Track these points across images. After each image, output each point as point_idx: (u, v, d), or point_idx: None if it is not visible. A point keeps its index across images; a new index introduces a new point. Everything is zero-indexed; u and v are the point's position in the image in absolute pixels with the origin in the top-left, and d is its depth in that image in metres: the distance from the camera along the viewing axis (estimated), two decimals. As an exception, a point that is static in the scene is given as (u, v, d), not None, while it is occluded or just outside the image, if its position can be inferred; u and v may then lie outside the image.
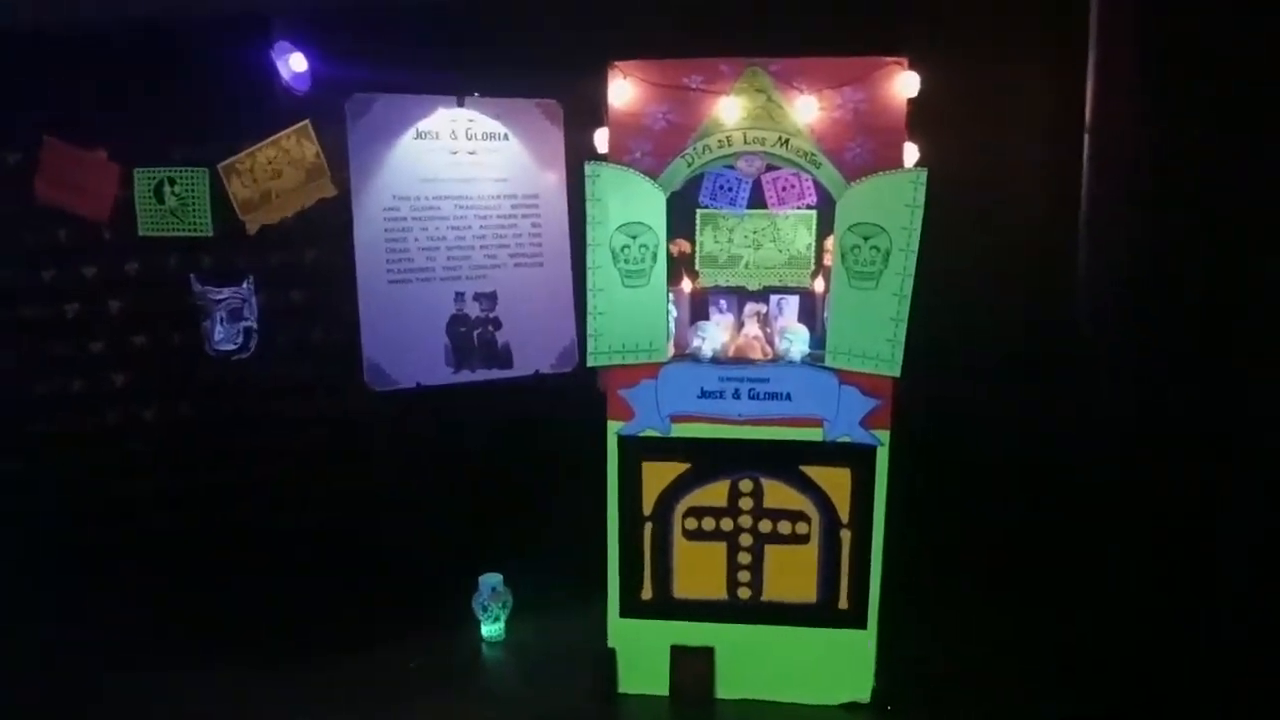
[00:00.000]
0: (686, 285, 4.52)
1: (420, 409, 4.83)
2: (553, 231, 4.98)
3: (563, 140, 5.02)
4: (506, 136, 4.93)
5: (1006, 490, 4.84)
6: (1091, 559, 4.54)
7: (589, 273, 3.99)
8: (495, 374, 5.02)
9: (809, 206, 4.46)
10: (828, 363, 4.02)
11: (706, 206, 4.50)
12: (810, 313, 4.47)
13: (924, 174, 3.78)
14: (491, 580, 4.53)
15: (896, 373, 3.92)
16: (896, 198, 3.81)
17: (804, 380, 4.06)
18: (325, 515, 4.81)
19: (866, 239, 3.87)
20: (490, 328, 4.99)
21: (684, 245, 4.51)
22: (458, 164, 4.87)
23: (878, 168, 3.85)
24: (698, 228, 4.57)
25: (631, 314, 4.00)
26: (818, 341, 3.96)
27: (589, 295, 4.00)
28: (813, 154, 3.94)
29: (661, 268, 4.01)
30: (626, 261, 3.99)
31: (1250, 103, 3.88)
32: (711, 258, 4.62)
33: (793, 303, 4.52)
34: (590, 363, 4.06)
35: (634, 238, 3.98)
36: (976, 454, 4.82)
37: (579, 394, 4.51)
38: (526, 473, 4.93)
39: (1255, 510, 3.89)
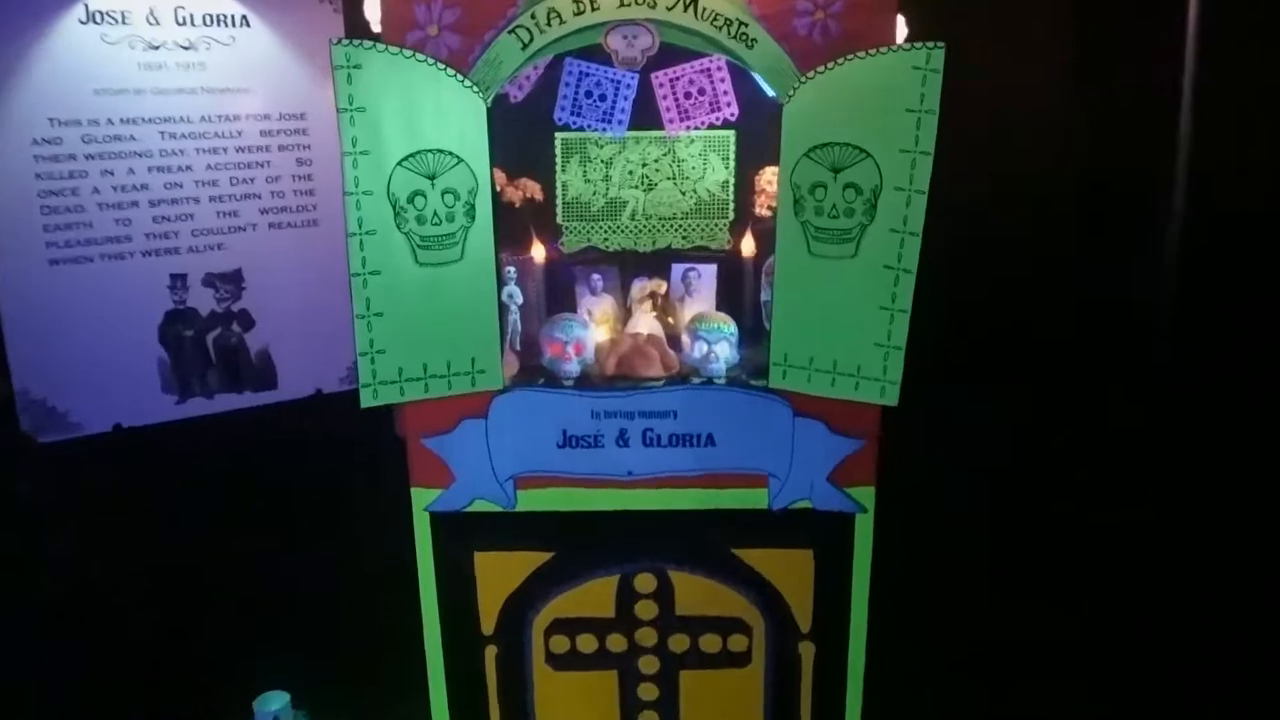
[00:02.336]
0: (538, 254, 2.80)
1: (125, 465, 3.00)
2: (331, 173, 3.14)
3: (342, 24, 3.15)
4: (246, 20, 3.04)
5: (1047, 572, 3.22)
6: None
7: (350, 245, 2.23)
8: (248, 400, 3.20)
9: (727, 122, 2.78)
10: (772, 382, 2.39)
11: (565, 125, 2.76)
12: (738, 294, 2.81)
13: (939, 53, 2.13)
14: (272, 703, 2.89)
15: (893, 399, 2.31)
16: (889, 97, 2.17)
17: (735, 411, 2.44)
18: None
19: (837, 172, 2.23)
20: (235, 327, 3.16)
21: (530, 187, 2.78)
22: (162, 66, 2.97)
23: (853, 47, 2.19)
24: (557, 159, 2.86)
25: (434, 311, 2.30)
26: (753, 343, 2.66)
27: (353, 284, 2.25)
28: (739, 24, 2.24)
29: (486, 228, 2.30)
30: (420, 221, 2.25)
31: None
32: (578, 206, 2.91)
33: (708, 276, 2.86)
34: (365, 399, 2.32)
35: (432, 179, 2.24)
36: (1008, 520, 3.19)
37: (389, 424, 2.75)
38: (310, 546, 3.13)
39: None
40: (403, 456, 2.51)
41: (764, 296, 2.62)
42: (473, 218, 2.30)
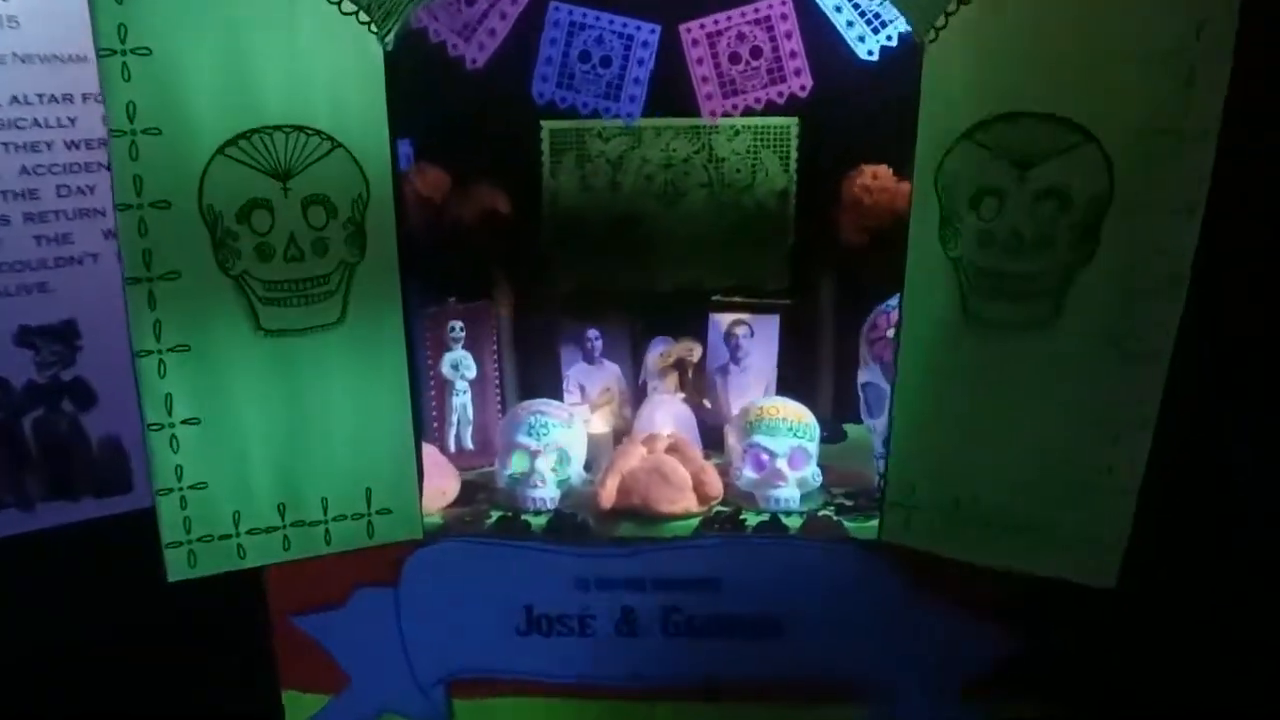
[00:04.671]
0: (501, 299, 1.81)
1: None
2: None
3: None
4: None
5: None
6: None
7: (130, 299, 1.22)
8: (87, 510, 2.19)
9: (793, 100, 1.77)
10: (886, 533, 1.37)
11: (551, 103, 1.78)
12: (812, 367, 1.81)
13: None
14: None
15: (1109, 576, 1.26)
16: (1132, 31, 1.11)
17: (814, 581, 1.40)
18: None
19: (1025, 168, 1.20)
20: (65, 405, 2.16)
21: (488, 198, 1.79)
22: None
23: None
24: (543, 155, 1.88)
25: (294, 413, 1.27)
26: (840, 458, 1.70)
27: (139, 369, 1.24)
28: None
29: (387, 264, 1.32)
30: (264, 256, 1.24)
31: None
32: (569, 225, 1.94)
33: (766, 335, 1.84)
34: (174, 568, 1.31)
35: (283, 180, 1.23)
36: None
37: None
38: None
39: None
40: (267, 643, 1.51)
41: (863, 376, 1.60)
42: (361, 247, 1.30)
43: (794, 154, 1.93)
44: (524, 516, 1.51)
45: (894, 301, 1.57)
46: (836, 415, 1.82)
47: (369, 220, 1.31)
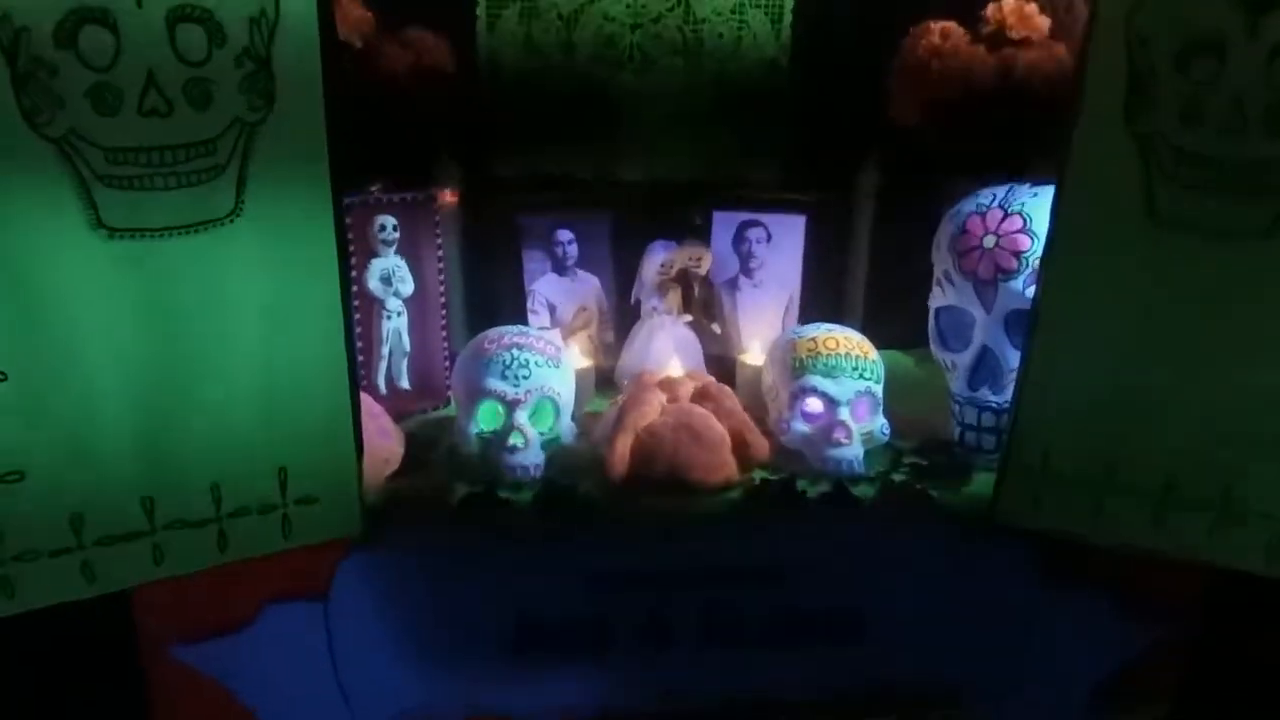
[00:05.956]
0: (444, 186, 1.33)
1: None
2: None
3: None
4: None
5: None
6: None
7: None
8: None
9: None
10: (1005, 510, 1.00)
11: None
12: (840, 281, 1.42)
13: None
14: None
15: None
16: None
17: (901, 562, 1.03)
18: None
19: (1258, 13, 0.80)
20: None
21: (437, 51, 1.29)
22: None
23: None
24: (479, 5, 1.38)
25: (160, 357, 0.78)
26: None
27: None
28: None
29: (311, 121, 0.80)
30: (104, 105, 0.72)
31: None
32: (515, 92, 1.44)
33: (790, 240, 1.43)
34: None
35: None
36: None
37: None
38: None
39: None
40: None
41: (941, 298, 1.22)
42: (266, 95, 0.82)
43: (788, 11, 1.50)
44: (501, 492, 1.08)
45: (985, 197, 1.20)
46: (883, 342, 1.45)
47: (277, 53, 0.82)
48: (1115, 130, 0.92)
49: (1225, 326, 0.93)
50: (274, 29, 0.81)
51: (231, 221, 0.84)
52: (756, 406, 1.25)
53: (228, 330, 0.87)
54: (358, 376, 0.98)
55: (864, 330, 1.31)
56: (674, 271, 1.37)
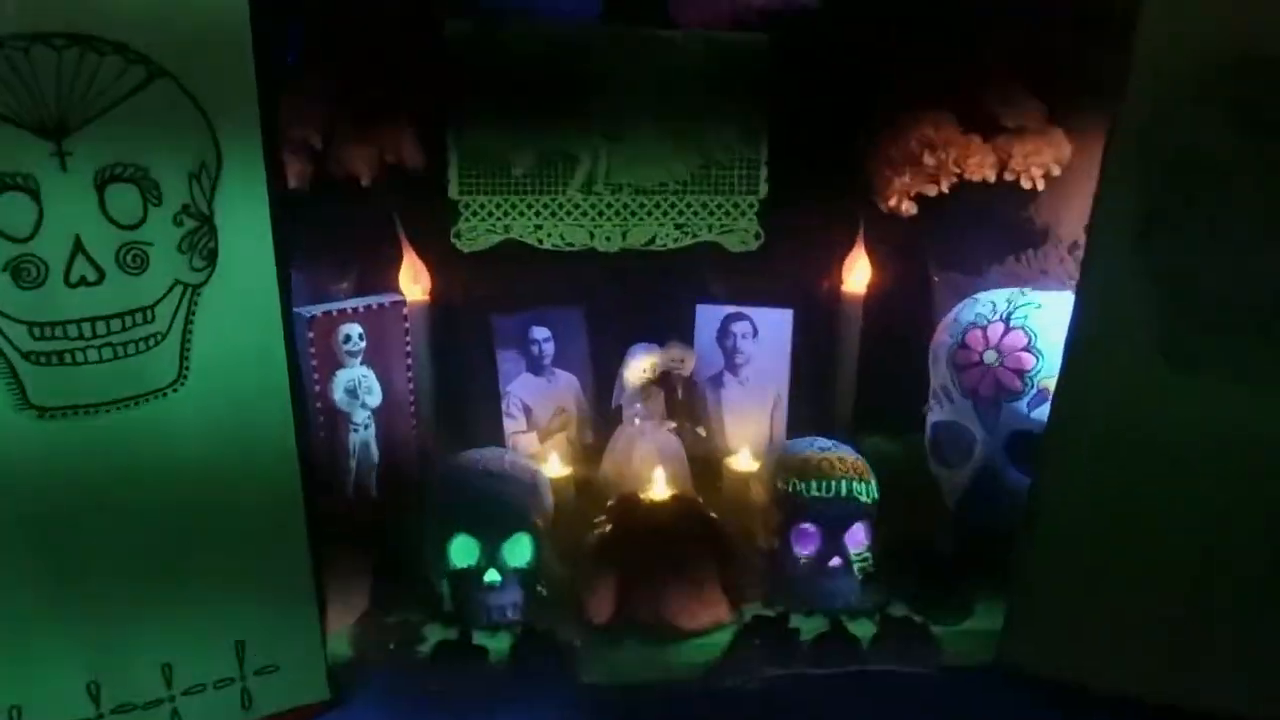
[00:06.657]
0: (411, 282, 1.25)
1: None
2: None
3: None
4: None
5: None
6: None
7: None
8: None
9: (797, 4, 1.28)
10: (1013, 651, 0.96)
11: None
12: (826, 388, 1.35)
13: None
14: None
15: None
16: None
17: (909, 708, 0.97)
18: None
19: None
20: None
21: (400, 141, 1.21)
22: None
23: None
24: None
25: (90, 529, 0.75)
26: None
27: None
28: None
29: (260, 279, 0.73)
30: (28, 279, 0.65)
31: None
32: (484, 162, 1.35)
33: (776, 335, 1.36)
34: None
35: (58, 140, 0.62)
36: None
37: None
38: None
39: None
40: None
41: (938, 413, 1.16)
42: (208, 254, 0.74)
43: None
44: (477, 637, 1.01)
45: (985, 306, 1.14)
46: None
47: (220, 208, 0.74)
48: (1125, 260, 0.86)
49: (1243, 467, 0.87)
50: (215, 181, 0.74)
51: (175, 391, 0.76)
52: (744, 514, 1.19)
53: (170, 506, 0.79)
54: (320, 539, 0.90)
55: (855, 424, 1.25)
56: (647, 370, 1.29)
